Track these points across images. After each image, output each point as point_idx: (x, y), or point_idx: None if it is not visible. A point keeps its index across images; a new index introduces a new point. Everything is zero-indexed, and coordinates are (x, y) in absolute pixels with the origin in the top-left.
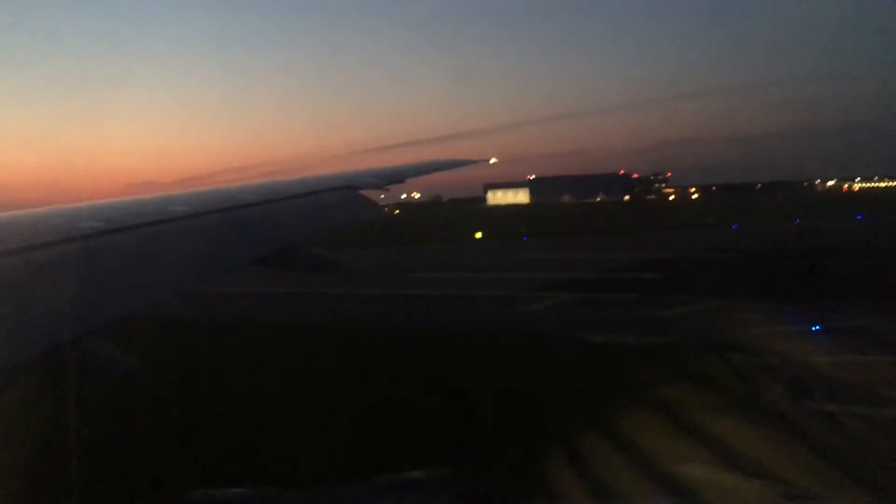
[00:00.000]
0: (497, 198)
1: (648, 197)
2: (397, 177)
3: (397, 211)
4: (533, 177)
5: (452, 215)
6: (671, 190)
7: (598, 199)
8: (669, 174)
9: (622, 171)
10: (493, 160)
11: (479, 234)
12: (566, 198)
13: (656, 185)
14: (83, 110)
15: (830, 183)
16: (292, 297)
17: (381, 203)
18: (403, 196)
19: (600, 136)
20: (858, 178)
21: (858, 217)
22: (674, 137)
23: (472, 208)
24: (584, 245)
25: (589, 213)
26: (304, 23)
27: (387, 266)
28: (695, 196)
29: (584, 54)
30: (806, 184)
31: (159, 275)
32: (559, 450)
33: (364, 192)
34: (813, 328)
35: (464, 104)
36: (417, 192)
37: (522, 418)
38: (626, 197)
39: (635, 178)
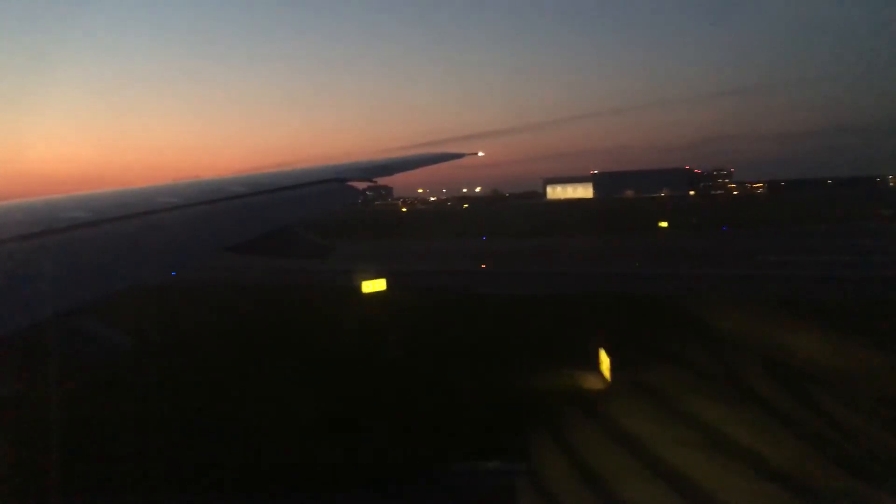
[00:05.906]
0: (557, 192)
1: (715, 192)
2: (384, 171)
3: (465, 205)
4: (595, 172)
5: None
6: (733, 185)
7: (663, 194)
8: (733, 169)
9: (687, 167)
10: (480, 153)
11: (664, 224)
12: (630, 193)
13: (719, 179)
14: (136, 109)
15: None
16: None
17: (443, 197)
18: (464, 191)
19: (639, 133)
20: None
21: None
22: (719, 134)
23: (535, 202)
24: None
25: (715, 205)
26: (346, 28)
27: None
28: (759, 191)
29: (618, 54)
30: (879, 180)
31: (144, 257)
32: None
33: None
34: None
35: (516, 102)
36: (479, 186)
37: None
38: (692, 192)
39: (698, 174)
